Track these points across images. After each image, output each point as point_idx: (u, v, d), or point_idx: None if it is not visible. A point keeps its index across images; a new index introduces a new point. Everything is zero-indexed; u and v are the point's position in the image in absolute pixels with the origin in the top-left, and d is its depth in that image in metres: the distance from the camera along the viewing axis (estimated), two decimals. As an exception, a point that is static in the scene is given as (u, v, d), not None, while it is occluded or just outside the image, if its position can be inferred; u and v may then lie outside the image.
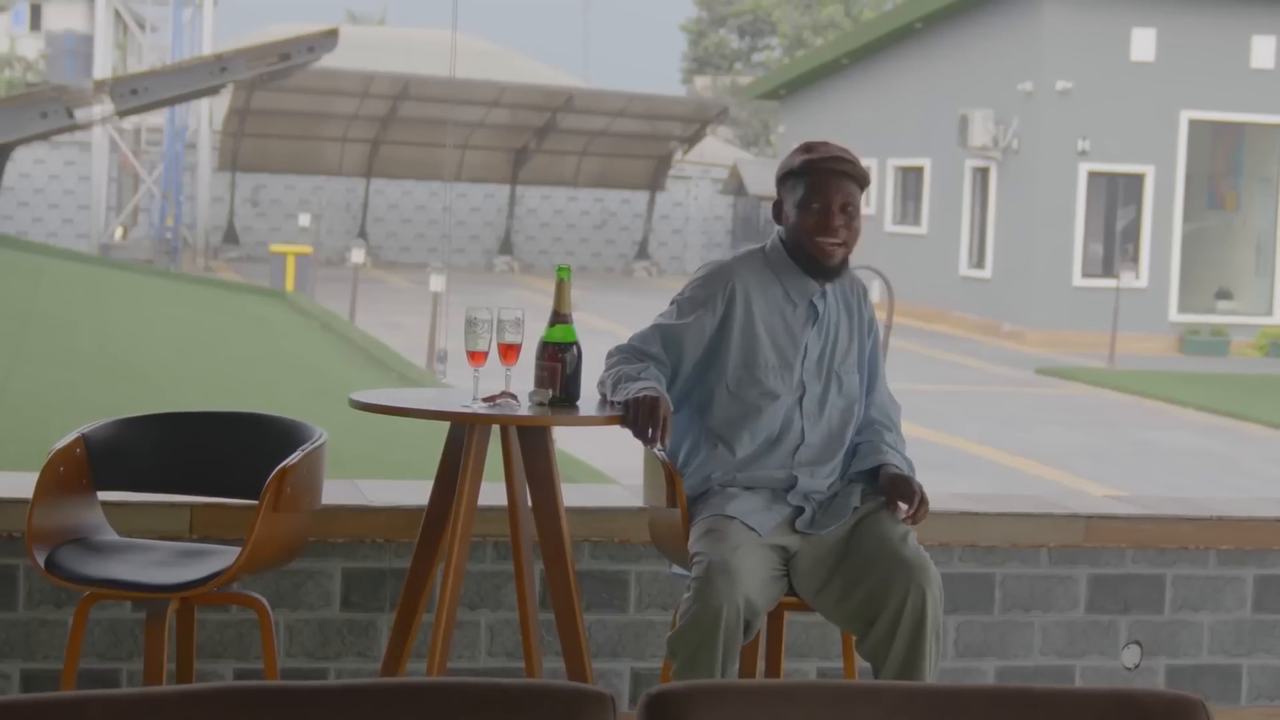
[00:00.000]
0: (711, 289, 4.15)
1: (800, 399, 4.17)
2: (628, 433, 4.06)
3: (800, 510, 4.13)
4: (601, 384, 4.14)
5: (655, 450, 4.10)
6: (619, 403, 4.02)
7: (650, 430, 3.94)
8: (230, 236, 40.32)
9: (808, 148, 4.20)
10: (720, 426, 4.14)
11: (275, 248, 32.93)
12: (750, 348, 4.14)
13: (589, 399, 4.19)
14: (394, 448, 12.82)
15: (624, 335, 4.31)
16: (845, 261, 4.20)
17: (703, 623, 3.86)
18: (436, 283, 22.05)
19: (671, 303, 4.23)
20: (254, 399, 14.48)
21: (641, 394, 3.98)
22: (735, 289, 4.14)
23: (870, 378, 4.30)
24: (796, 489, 4.14)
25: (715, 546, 3.94)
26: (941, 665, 5.10)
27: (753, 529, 4.02)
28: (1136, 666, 5.24)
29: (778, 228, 4.24)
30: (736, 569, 3.90)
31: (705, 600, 3.87)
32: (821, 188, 4.13)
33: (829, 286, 4.19)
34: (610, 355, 4.18)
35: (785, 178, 4.20)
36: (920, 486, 4.13)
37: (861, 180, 4.18)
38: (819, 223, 4.11)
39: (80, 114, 30.03)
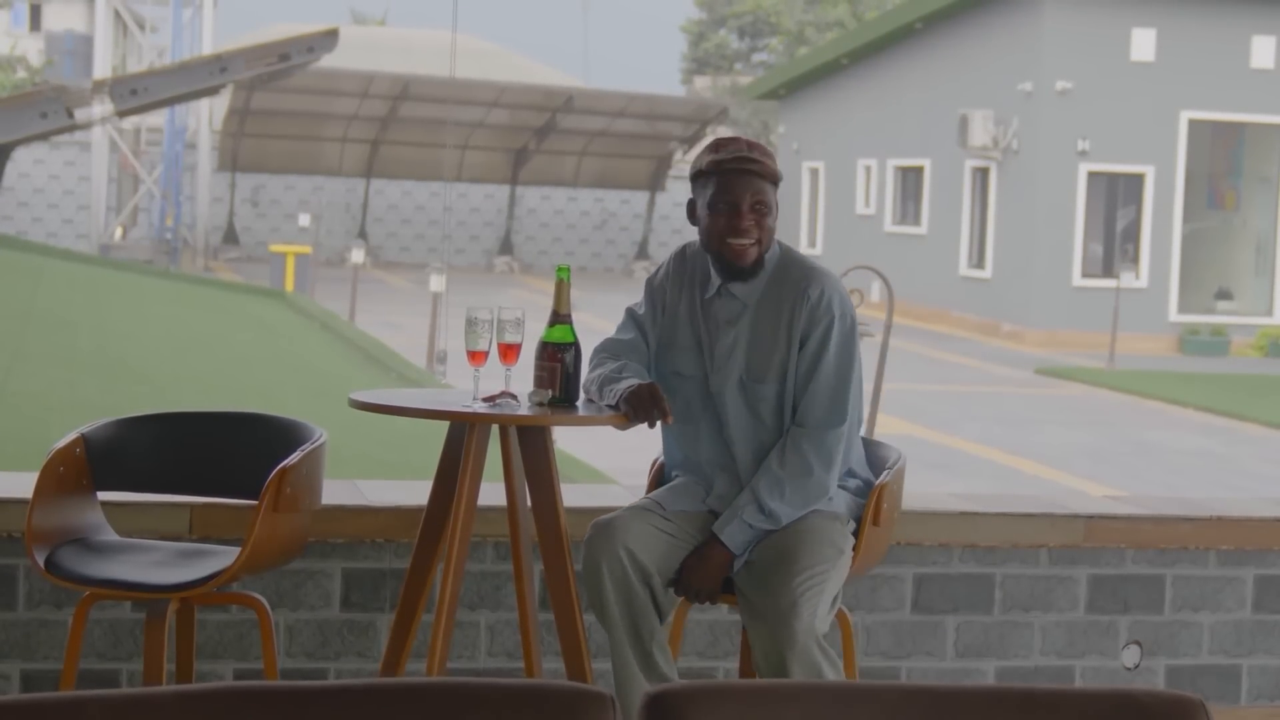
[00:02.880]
0: (655, 278, 4.28)
1: (715, 394, 4.18)
2: (625, 432, 4.15)
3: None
4: (587, 389, 4.21)
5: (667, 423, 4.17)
6: (614, 406, 4.10)
7: (654, 413, 4.06)
8: (230, 237, 40.33)
9: (715, 146, 4.16)
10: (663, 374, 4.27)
11: (275, 248, 32.94)
12: (670, 328, 4.22)
13: (588, 399, 4.21)
14: (393, 448, 12.82)
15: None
16: (760, 260, 4.13)
17: (586, 578, 4.08)
18: (436, 283, 22.06)
19: None
20: (253, 399, 14.48)
21: (631, 388, 4.07)
22: (672, 274, 4.24)
23: (795, 394, 4.13)
24: (713, 492, 4.19)
25: (601, 518, 4.15)
26: (941, 665, 5.10)
27: (659, 503, 4.15)
28: (1136, 667, 5.24)
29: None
30: (617, 526, 4.07)
31: (587, 557, 4.10)
32: (729, 187, 4.09)
33: (745, 288, 4.14)
34: (593, 357, 4.25)
35: (696, 177, 4.18)
36: (708, 563, 4.08)
37: (770, 177, 4.12)
38: (728, 224, 4.09)
39: (80, 114, 30.03)
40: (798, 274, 4.16)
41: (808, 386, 4.12)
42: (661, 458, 4.40)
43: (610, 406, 4.11)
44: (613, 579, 4.02)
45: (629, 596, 4.02)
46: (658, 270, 4.31)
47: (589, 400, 4.20)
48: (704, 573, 4.09)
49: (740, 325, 4.15)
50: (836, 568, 4.02)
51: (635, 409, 4.05)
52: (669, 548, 4.10)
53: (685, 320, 4.21)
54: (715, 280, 4.17)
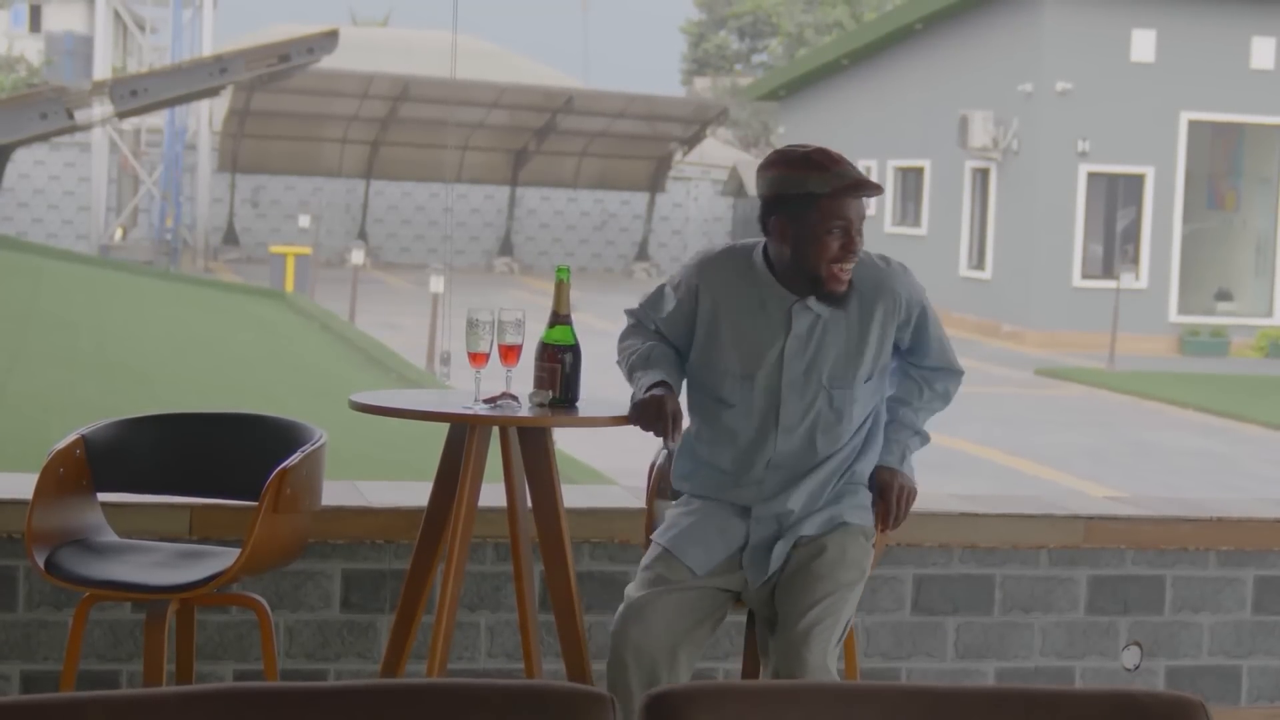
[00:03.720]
0: (689, 280, 4.03)
1: (776, 411, 3.97)
2: (622, 431, 4.10)
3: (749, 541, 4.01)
4: (619, 364, 4.11)
5: (669, 446, 4.10)
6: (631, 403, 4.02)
7: (657, 428, 3.95)
8: (230, 237, 40.34)
9: (816, 163, 3.86)
10: (692, 408, 4.11)
11: (275, 249, 32.97)
12: (710, 349, 4.00)
13: (589, 400, 4.19)
14: (394, 448, 12.82)
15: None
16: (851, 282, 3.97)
17: (613, 678, 3.91)
18: (436, 284, 22.07)
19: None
20: (253, 400, 14.48)
21: (648, 394, 3.96)
22: (702, 288, 3.99)
23: (917, 356, 4.12)
24: (752, 515, 4.00)
25: (633, 603, 3.93)
26: (941, 666, 5.10)
27: (690, 568, 3.95)
28: (1136, 668, 5.24)
29: (765, 240, 3.97)
30: (648, 640, 3.87)
31: (614, 661, 3.92)
32: (843, 210, 3.85)
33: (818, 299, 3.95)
34: (629, 316, 4.15)
35: (797, 196, 3.86)
36: (902, 487, 4.07)
37: (876, 194, 3.94)
38: (843, 248, 3.86)
39: (80, 115, 30.06)
40: (869, 273, 4.00)
41: (923, 350, 4.11)
42: (660, 460, 4.27)
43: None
44: (642, 689, 3.84)
45: (654, 680, 3.89)
46: (678, 283, 4.05)
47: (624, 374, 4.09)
48: (904, 507, 4.07)
49: (816, 335, 3.95)
50: (855, 591, 3.93)
51: (641, 419, 3.95)
52: (703, 622, 3.94)
53: (729, 341, 3.98)
54: (786, 298, 3.94)
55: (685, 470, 4.11)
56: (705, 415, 4.04)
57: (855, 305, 3.98)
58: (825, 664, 3.81)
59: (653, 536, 4.07)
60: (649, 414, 3.94)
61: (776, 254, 3.94)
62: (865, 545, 4.00)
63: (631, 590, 3.97)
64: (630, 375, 4.05)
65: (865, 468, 4.08)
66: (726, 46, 60.20)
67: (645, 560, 4.02)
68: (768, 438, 3.99)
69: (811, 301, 3.94)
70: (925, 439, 4.21)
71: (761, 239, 4.00)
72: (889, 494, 4.07)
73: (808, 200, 3.85)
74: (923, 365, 4.15)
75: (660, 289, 4.12)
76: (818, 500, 4.00)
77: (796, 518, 3.98)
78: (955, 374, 4.20)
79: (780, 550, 3.97)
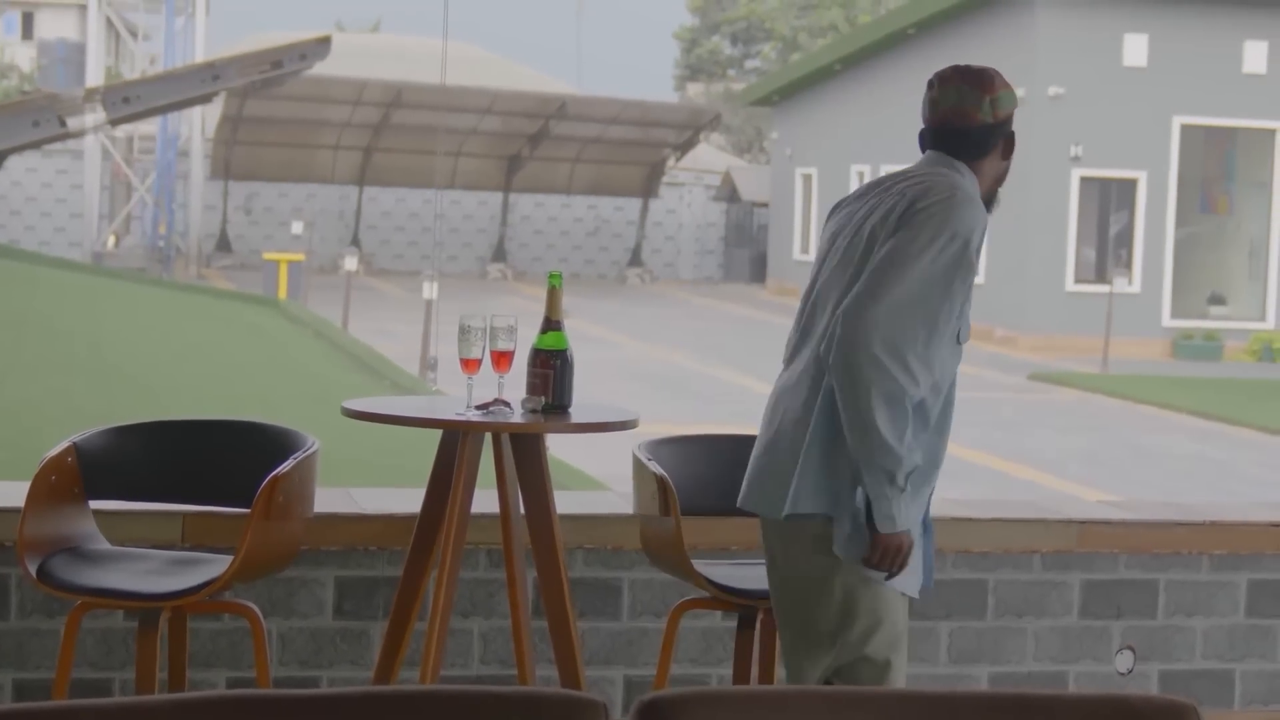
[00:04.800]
0: (964, 234, 3.57)
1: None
2: (615, 437, 4.05)
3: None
4: (894, 443, 3.47)
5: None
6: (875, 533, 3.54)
7: (887, 569, 3.57)
8: (223, 244, 40.32)
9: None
10: (941, 380, 3.56)
11: (268, 255, 32.96)
12: (968, 299, 3.63)
13: (581, 405, 4.18)
14: (387, 455, 12.81)
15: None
16: None
17: None
18: (429, 290, 22.06)
19: (928, 256, 3.55)
20: (246, 407, 14.47)
21: (900, 537, 3.54)
22: (981, 232, 3.63)
23: None
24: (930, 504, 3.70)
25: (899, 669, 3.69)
26: (934, 671, 5.10)
27: (924, 588, 3.72)
28: (1130, 672, 5.24)
29: (960, 165, 3.77)
30: None
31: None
32: None
33: None
34: (887, 395, 3.46)
35: (1010, 117, 3.80)
36: None
37: None
38: None
39: (72, 122, 30.06)
40: None
41: None
42: (656, 469, 4.22)
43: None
44: None
45: None
46: (978, 226, 3.60)
47: (884, 474, 3.49)
48: None
49: None
50: None
51: (882, 556, 3.54)
52: None
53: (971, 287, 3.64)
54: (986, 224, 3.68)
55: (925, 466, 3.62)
56: (949, 375, 3.60)
57: None
58: None
59: (901, 588, 3.64)
60: (888, 557, 3.54)
61: (993, 174, 3.76)
62: None
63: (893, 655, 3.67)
64: (898, 479, 3.50)
65: None
66: (720, 52, 60.23)
67: (891, 619, 3.66)
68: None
69: None
70: None
71: (941, 169, 3.81)
72: None
73: (1012, 116, 3.82)
74: None
75: (930, 357, 3.52)
76: None
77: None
78: None
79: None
